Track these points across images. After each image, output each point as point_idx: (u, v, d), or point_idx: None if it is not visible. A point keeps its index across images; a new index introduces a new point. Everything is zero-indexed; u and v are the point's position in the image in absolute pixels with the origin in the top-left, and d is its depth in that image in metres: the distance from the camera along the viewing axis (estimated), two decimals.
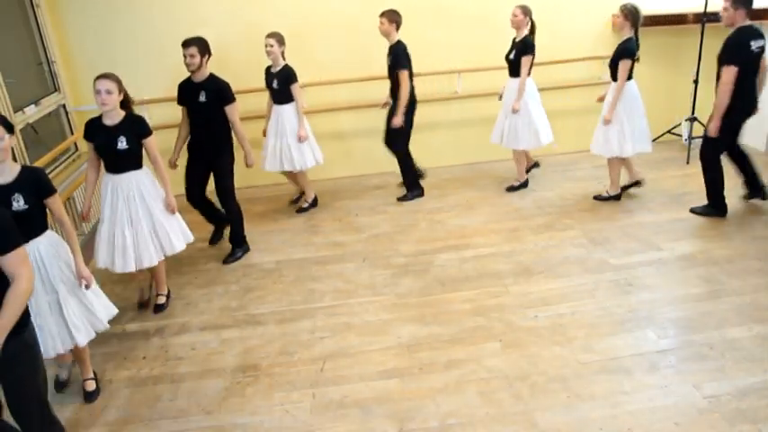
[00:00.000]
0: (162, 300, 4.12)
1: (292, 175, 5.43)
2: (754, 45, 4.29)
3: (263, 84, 5.12)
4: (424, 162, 6.25)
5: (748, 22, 4.31)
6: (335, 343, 3.59)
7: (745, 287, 3.83)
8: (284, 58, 4.95)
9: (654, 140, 5.16)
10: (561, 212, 5.07)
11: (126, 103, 3.69)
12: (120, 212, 3.71)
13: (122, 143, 3.59)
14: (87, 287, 3.09)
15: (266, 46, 4.88)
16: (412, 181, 5.56)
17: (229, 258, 4.68)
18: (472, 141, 6.17)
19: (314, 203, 5.50)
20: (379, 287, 4.15)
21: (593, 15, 5.98)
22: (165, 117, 5.45)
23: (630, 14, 4.69)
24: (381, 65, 5.28)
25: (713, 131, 4.46)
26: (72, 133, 5.41)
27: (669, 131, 6.20)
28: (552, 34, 5.47)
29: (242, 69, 5.36)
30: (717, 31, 6.03)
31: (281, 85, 4.97)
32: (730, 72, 4.27)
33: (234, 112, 4.41)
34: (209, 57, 4.34)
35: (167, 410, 3.14)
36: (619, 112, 4.85)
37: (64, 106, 5.45)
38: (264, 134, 5.22)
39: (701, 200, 5.07)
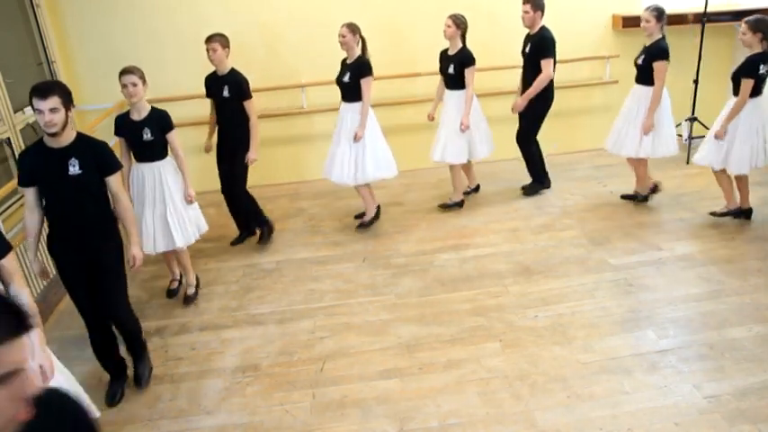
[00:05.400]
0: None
1: (172, 256, 4.22)
2: (556, 39, 4.99)
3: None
4: (422, 162, 6.25)
5: (544, 23, 4.98)
6: (335, 343, 3.59)
7: (745, 287, 3.83)
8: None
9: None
10: (561, 212, 5.07)
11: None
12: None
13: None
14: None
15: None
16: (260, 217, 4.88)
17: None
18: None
19: (198, 284, 4.30)
20: (379, 287, 4.15)
21: (594, 15, 5.99)
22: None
23: (463, 24, 4.84)
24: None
25: (519, 109, 5.11)
26: None
27: None
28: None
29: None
30: (717, 31, 6.05)
31: (158, 134, 3.84)
32: (550, 64, 4.96)
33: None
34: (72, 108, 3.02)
35: (167, 410, 3.14)
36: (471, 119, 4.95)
37: None
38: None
39: (702, 199, 5.07)
